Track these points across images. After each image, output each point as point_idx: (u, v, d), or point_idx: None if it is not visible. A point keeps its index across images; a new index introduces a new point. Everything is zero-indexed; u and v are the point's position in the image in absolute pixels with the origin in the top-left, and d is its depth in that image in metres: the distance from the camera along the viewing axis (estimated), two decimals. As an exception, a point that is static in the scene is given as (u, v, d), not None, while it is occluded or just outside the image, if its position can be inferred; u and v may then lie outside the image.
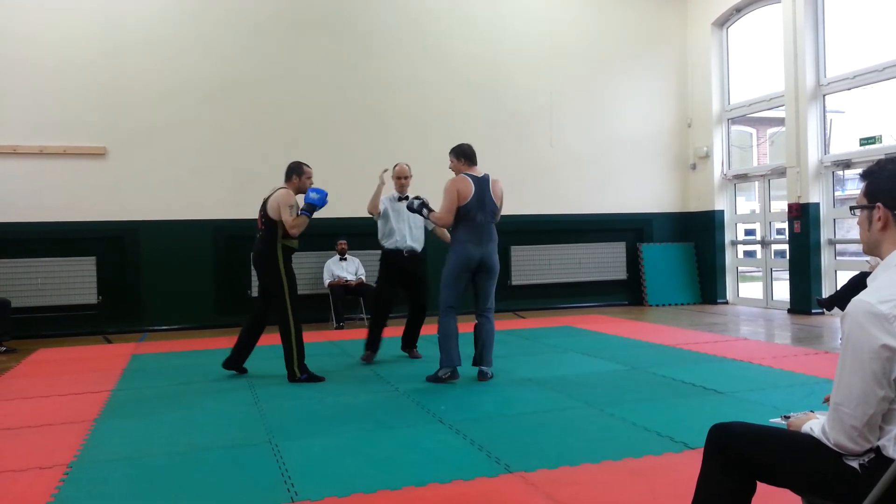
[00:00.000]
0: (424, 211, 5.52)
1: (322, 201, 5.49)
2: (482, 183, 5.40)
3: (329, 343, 7.54)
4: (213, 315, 9.16)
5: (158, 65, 9.04)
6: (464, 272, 5.36)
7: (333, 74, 9.69)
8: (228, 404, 4.85)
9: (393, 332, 6.70)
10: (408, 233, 6.34)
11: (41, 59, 8.60)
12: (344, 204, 9.56)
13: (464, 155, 5.47)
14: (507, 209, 10.08)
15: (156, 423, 4.38)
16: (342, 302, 8.94)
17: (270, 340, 7.80)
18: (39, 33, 8.61)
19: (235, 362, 5.91)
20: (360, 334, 8.15)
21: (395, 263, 6.32)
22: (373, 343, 6.36)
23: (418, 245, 6.42)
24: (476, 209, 5.34)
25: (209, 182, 9.19)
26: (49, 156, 8.63)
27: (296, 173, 5.69)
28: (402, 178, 6.41)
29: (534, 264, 10.52)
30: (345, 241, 9.27)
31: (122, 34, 8.91)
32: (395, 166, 6.49)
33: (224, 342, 7.71)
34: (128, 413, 4.67)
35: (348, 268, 9.21)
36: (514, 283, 10.40)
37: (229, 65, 9.31)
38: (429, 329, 6.42)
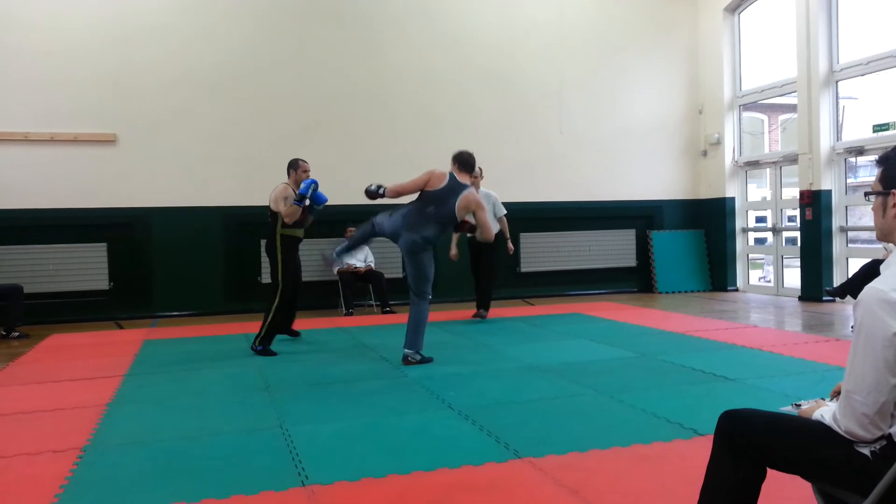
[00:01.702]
0: (381, 190, 5.65)
1: (306, 189, 6.00)
2: (454, 188, 5.47)
3: (339, 329, 7.57)
4: (223, 301, 9.21)
5: (168, 53, 9.04)
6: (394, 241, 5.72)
7: (342, 62, 9.66)
8: (239, 389, 4.88)
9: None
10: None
11: (51, 46, 8.61)
12: (353, 191, 9.52)
13: (458, 160, 5.65)
14: (518, 196, 10.28)
15: (168, 408, 4.41)
16: (352, 289, 8.96)
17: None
18: (49, 21, 8.62)
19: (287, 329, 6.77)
20: (369, 321, 8.20)
21: (473, 247, 7.97)
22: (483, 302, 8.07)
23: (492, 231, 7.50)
24: (431, 202, 5.47)
25: (218, 169, 9.21)
26: (60, 143, 8.67)
27: (292, 168, 6.36)
28: (473, 177, 7.20)
29: (543, 251, 10.51)
30: (354, 229, 9.25)
31: (131, 22, 8.91)
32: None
33: (234, 328, 7.77)
34: (140, 398, 4.71)
35: (357, 255, 9.22)
36: (523, 269, 10.40)
37: (238, 53, 9.30)
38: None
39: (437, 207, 5.46)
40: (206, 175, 9.18)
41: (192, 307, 9.11)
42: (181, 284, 9.08)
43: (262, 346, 6.11)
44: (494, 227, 7.37)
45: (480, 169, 7.80)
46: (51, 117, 8.63)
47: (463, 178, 5.57)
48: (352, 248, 6.10)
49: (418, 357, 5.53)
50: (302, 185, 6.05)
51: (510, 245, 8.26)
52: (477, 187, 7.66)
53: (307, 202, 6.07)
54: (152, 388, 5.01)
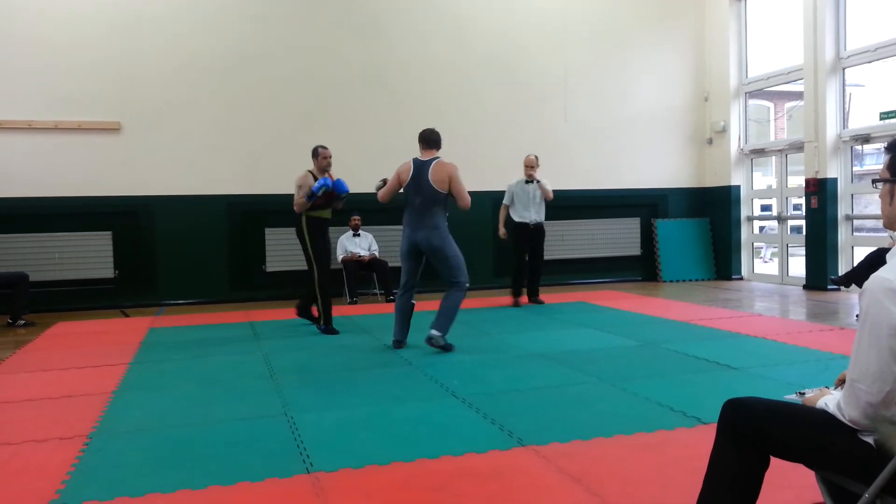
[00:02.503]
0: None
1: (317, 189, 6.28)
2: (420, 167, 5.55)
3: (343, 318, 7.57)
4: (227, 290, 9.23)
5: (172, 41, 9.02)
6: (406, 255, 5.66)
7: (347, 50, 9.62)
8: (244, 377, 4.90)
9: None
10: (533, 209, 8.09)
11: (55, 35, 8.60)
12: (357, 180, 9.50)
13: (421, 139, 5.71)
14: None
15: (173, 396, 4.43)
16: (356, 277, 8.98)
17: (282, 315, 7.88)
18: (53, 9, 8.60)
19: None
20: (373, 309, 8.22)
21: (524, 234, 8.07)
22: (517, 290, 8.22)
23: (542, 218, 8.17)
24: (413, 193, 5.57)
25: (222, 158, 9.21)
26: (64, 131, 8.67)
27: (314, 155, 6.59)
28: (528, 168, 8.02)
29: (548, 240, 10.33)
30: (358, 217, 9.27)
31: (135, 10, 8.88)
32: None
33: (239, 316, 7.80)
34: (145, 386, 4.73)
35: (361, 243, 9.23)
36: (527, 258, 10.36)
37: (242, 41, 9.27)
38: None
39: (417, 193, 5.54)
40: (210, 163, 9.18)
41: (196, 295, 9.14)
42: (186, 273, 9.10)
43: (325, 325, 6.48)
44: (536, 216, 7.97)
45: (536, 157, 8.10)
46: (55, 105, 8.63)
47: (428, 155, 5.63)
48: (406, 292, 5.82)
49: (442, 342, 5.51)
50: (315, 185, 6.30)
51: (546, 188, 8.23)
52: (532, 176, 7.98)
53: (321, 192, 6.29)
54: (158, 375, 5.04)
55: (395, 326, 5.81)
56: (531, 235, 8.10)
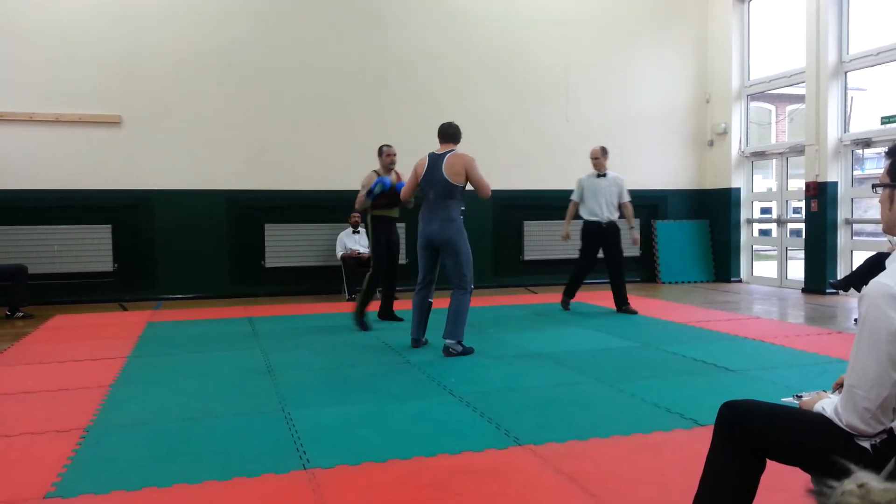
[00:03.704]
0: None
1: (374, 187, 6.40)
2: (435, 160, 5.49)
3: (341, 314, 7.57)
4: (226, 285, 9.23)
5: (174, 34, 9.00)
6: (422, 250, 5.59)
7: (348, 46, 9.61)
8: (242, 373, 4.90)
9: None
10: (605, 206, 7.39)
11: (56, 27, 8.58)
12: (358, 176, 9.54)
13: (438, 132, 5.65)
14: (522, 184, 10.25)
15: (170, 390, 4.43)
16: (354, 274, 8.96)
17: (280, 311, 7.88)
18: (55, 1, 8.58)
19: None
20: (372, 306, 8.17)
21: (594, 233, 7.40)
22: (570, 292, 7.66)
23: (615, 216, 7.45)
24: (428, 187, 5.50)
25: (223, 153, 9.20)
26: (64, 124, 8.66)
27: (378, 154, 6.84)
28: (594, 160, 7.51)
29: (547, 240, 10.48)
30: (358, 214, 9.26)
31: (136, 3, 8.86)
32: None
33: (238, 311, 7.79)
34: (143, 379, 4.73)
35: (360, 240, 9.23)
36: (526, 258, 10.39)
37: (245, 36, 9.26)
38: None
39: (432, 186, 5.46)
40: (211, 158, 9.17)
41: (195, 290, 9.13)
42: (185, 267, 9.09)
43: (355, 318, 6.56)
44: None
45: (602, 149, 7.55)
46: (56, 98, 8.62)
47: (445, 149, 5.54)
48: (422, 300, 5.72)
49: (459, 348, 5.34)
50: (371, 185, 6.44)
51: (635, 234, 7.68)
52: (604, 168, 7.47)
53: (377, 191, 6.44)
54: (155, 369, 5.04)
55: (413, 325, 5.67)
56: (603, 235, 7.41)
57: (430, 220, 5.46)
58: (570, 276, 7.74)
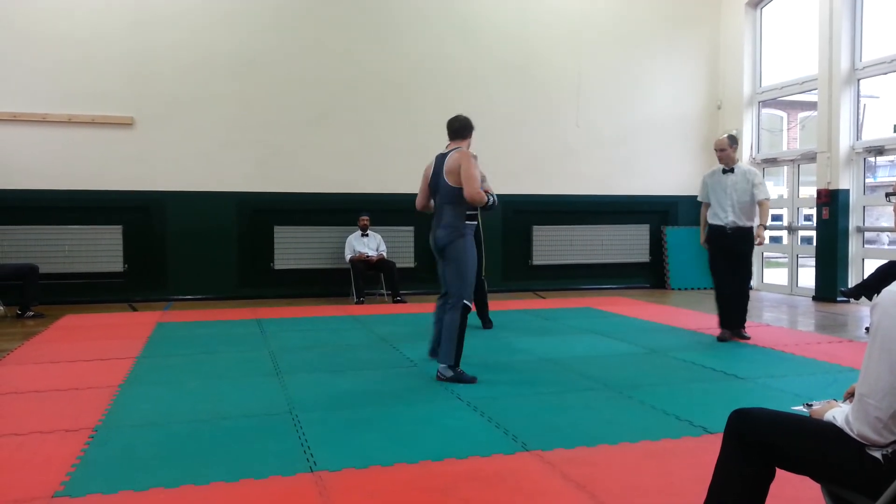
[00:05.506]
0: None
1: None
2: (440, 161, 4.94)
3: (349, 318, 7.59)
4: (236, 287, 9.26)
5: (186, 37, 9.05)
6: (437, 258, 5.08)
7: (359, 50, 9.63)
8: (251, 375, 4.91)
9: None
10: (730, 208, 6.12)
11: (71, 29, 8.65)
12: (367, 179, 9.59)
13: (447, 129, 5.05)
14: (532, 189, 10.23)
15: (179, 391, 4.45)
16: (363, 277, 8.98)
17: (289, 313, 7.89)
18: (69, 3, 8.64)
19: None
20: (380, 309, 8.22)
21: (717, 240, 6.19)
22: (723, 318, 6.30)
23: (743, 220, 6.11)
24: (434, 191, 5.00)
25: (234, 155, 9.24)
26: (77, 125, 8.72)
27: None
28: (720, 150, 6.19)
29: (556, 244, 10.47)
30: (367, 217, 9.28)
31: (151, 6, 8.92)
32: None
33: (247, 313, 7.81)
34: (152, 380, 4.75)
35: (370, 244, 9.24)
36: (535, 262, 10.37)
37: (256, 39, 9.30)
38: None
39: (437, 190, 4.97)
40: (222, 160, 9.21)
41: (205, 291, 9.17)
42: (195, 268, 9.13)
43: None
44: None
45: (731, 137, 6.22)
46: (69, 99, 8.68)
47: (450, 147, 4.98)
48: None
49: (450, 373, 4.67)
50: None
51: (762, 233, 6.20)
52: (732, 161, 6.18)
53: None
54: (164, 370, 5.06)
55: (433, 336, 5.29)
56: (726, 242, 6.14)
57: (435, 225, 5.01)
58: (715, 299, 6.43)
